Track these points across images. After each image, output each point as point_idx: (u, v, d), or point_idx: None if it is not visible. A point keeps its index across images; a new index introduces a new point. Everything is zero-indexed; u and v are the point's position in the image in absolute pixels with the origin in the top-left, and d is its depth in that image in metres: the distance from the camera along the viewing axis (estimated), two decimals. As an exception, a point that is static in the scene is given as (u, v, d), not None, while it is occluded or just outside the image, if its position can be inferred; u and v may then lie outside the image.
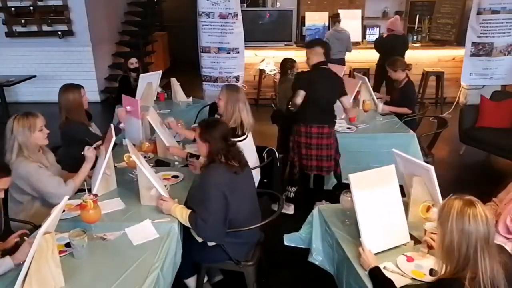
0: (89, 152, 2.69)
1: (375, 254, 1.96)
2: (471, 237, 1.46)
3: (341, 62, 6.47)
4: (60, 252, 1.97)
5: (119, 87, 5.27)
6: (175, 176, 2.85)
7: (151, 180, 2.33)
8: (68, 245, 2.03)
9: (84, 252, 1.98)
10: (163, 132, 3.25)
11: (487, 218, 1.47)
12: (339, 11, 7.35)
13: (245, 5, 7.43)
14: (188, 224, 2.28)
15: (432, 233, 1.96)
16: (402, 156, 2.34)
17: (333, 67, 5.08)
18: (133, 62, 5.13)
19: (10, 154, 2.52)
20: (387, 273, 1.85)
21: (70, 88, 3.28)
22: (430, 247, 1.98)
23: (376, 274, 1.85)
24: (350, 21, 7.32)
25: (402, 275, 1.85)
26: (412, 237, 2.12)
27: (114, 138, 2.54)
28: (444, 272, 1.55)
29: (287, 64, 4.91)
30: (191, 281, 2.62)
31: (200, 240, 2.36)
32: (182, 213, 2.29)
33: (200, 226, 2.23)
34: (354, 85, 4.36)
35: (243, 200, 2.39)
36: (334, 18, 6.84)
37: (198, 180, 2.44)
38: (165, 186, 2.61)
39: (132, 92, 4.62)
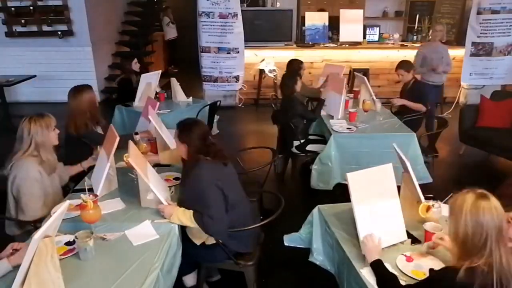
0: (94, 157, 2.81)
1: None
2: (486, 228, 1.48)
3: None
4: (64, 253, 1.98)
5: (119, 89, 5.25)
6: (176, 178, 2.85)
7: (150, 186, 2.31)
8: (68, 243, 2.03)
9: (90, 254, 1.96)
10: (165, 131, 3.24)
11: (499, 210, 1.50)
12: (340, 10, 7.36)
13: (245, 5, 7.43)
14: (195, 224, 2.27)
15: (440, 238, 1.92)
16: (397, 152, 2.36)
17: (332, 68, 5.11)
18: (137, 62, 5.14)
19: (21, 152, 2.49)
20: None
21: (84, 88, 3.24)
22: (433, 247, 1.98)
23: (379, 267, 1.84)
24: (352, 22, 7.30)
25: (399, 278, 1.84)
26: (409, 235, 2.13)
27: (117, 139, 2.49)
28: (457, 262, 1.56)
29: (295, 66, 4.87)
30: (187, 278, 2.60)
31: (198, 242, 2.37)
32: (186, 214, 2.28)
33: (207, 223, 2.24)
34: (341, 81, 4.25)
35: (237, 191, 2.43)
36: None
37: (187, 180, 2.38)
38: (170, 189, 2.59)
39: (132, 94, 4.63)
